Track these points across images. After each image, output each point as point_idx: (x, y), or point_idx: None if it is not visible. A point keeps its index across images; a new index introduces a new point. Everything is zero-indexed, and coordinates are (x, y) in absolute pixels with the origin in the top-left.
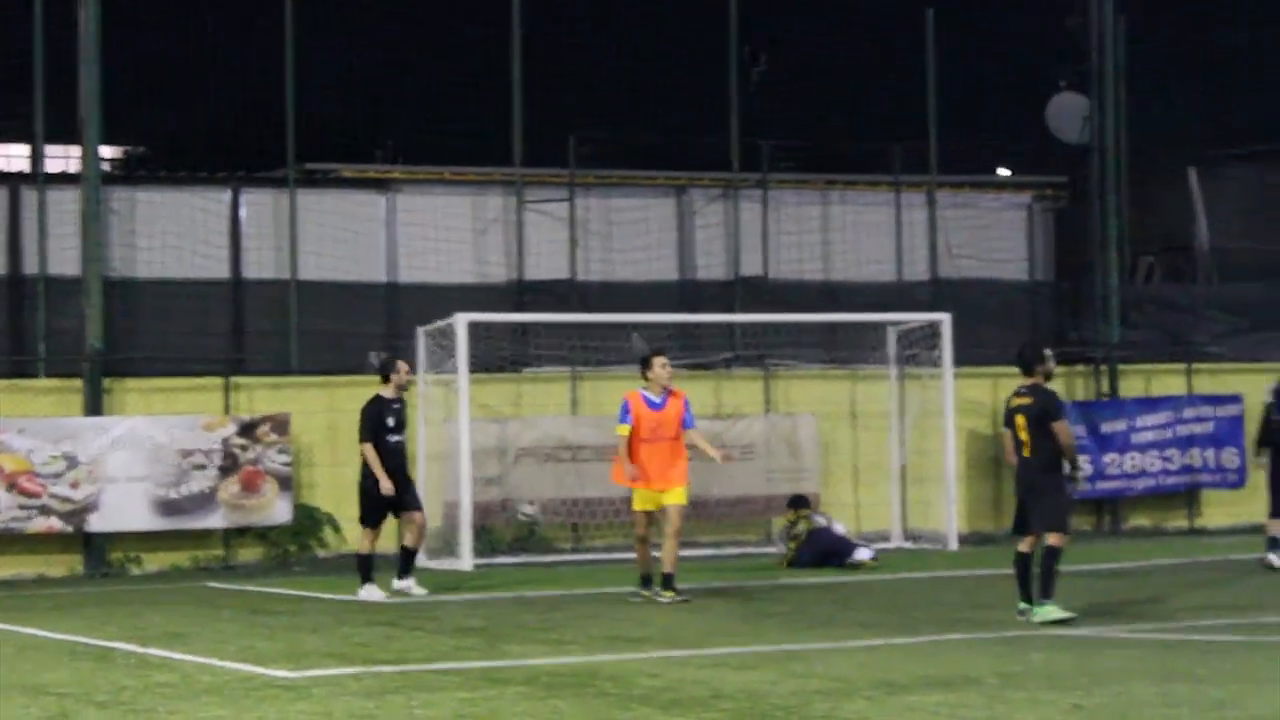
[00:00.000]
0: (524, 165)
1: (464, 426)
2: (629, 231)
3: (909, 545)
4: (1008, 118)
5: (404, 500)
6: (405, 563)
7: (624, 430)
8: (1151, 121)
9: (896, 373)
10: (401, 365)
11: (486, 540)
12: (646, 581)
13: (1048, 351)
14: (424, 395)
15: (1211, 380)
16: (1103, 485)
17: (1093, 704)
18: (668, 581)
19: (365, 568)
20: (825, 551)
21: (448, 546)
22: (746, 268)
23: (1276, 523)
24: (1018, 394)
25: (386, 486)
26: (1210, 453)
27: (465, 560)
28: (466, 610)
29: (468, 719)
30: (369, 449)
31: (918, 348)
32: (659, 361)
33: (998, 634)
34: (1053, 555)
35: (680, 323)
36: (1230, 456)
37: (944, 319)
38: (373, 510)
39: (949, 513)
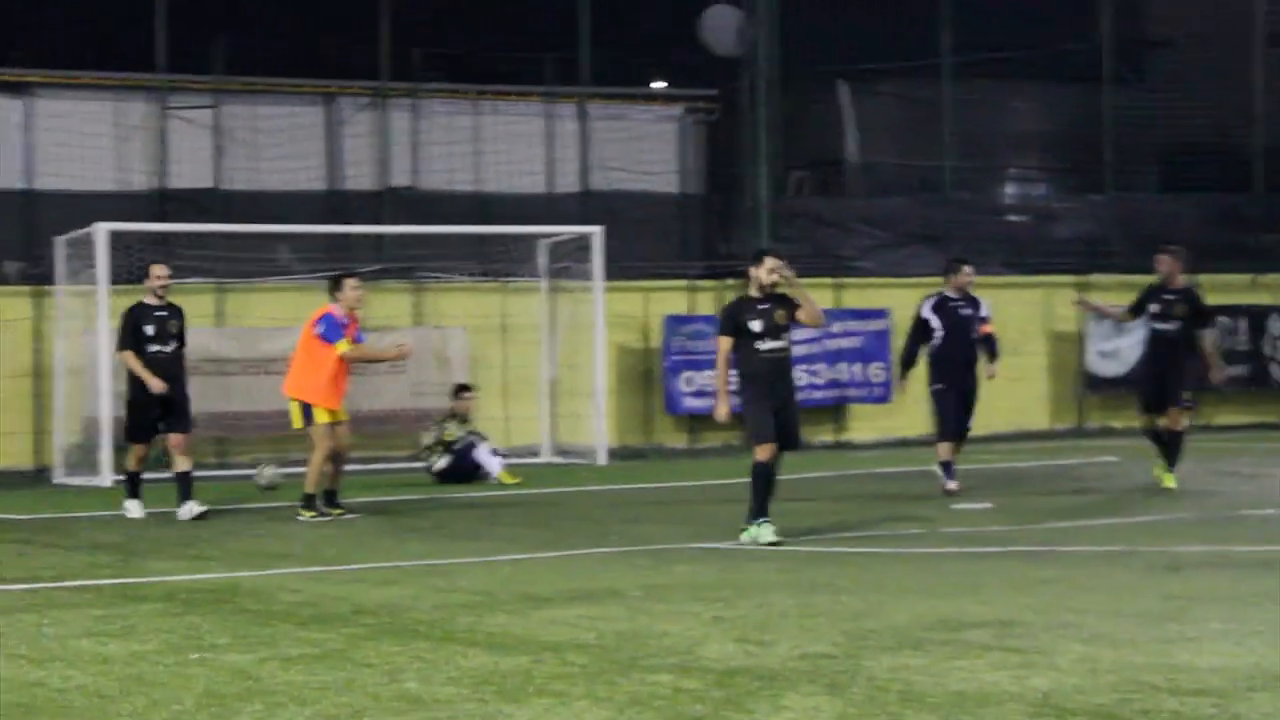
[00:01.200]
0: (167, 71)
1: (103, 340)
2: (275, 140)
3: (558, 460)
4: (661, 29)
5: (169, 418)
6: (182, 488)
7: (343, 347)
8: (803, 35)
9: (547, 285)
10: (154, 269)
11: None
12: (332, 497)
13: (771, 260)
14: (62, 307)
15: (859, 295)
16: None
17: (734, 615)
18: (315, 502)
19: (129, 483)
20: (465, 471)
21: (87, 462)
22: (396, 178)
23: (945, 446)
24: None
25: (156, 385)
26: (857, 367)
27: (105, 476)
28: (104, 527)
29: (100, 636)
30: (126, 356)
31: (569, 260)
32: (350, 283)
33: (643, 547)
34: (752, 472)
35: (328, 233)
36: (877, 371)
37: (595, 232)
38: (136, 424)
39: (598, 427)
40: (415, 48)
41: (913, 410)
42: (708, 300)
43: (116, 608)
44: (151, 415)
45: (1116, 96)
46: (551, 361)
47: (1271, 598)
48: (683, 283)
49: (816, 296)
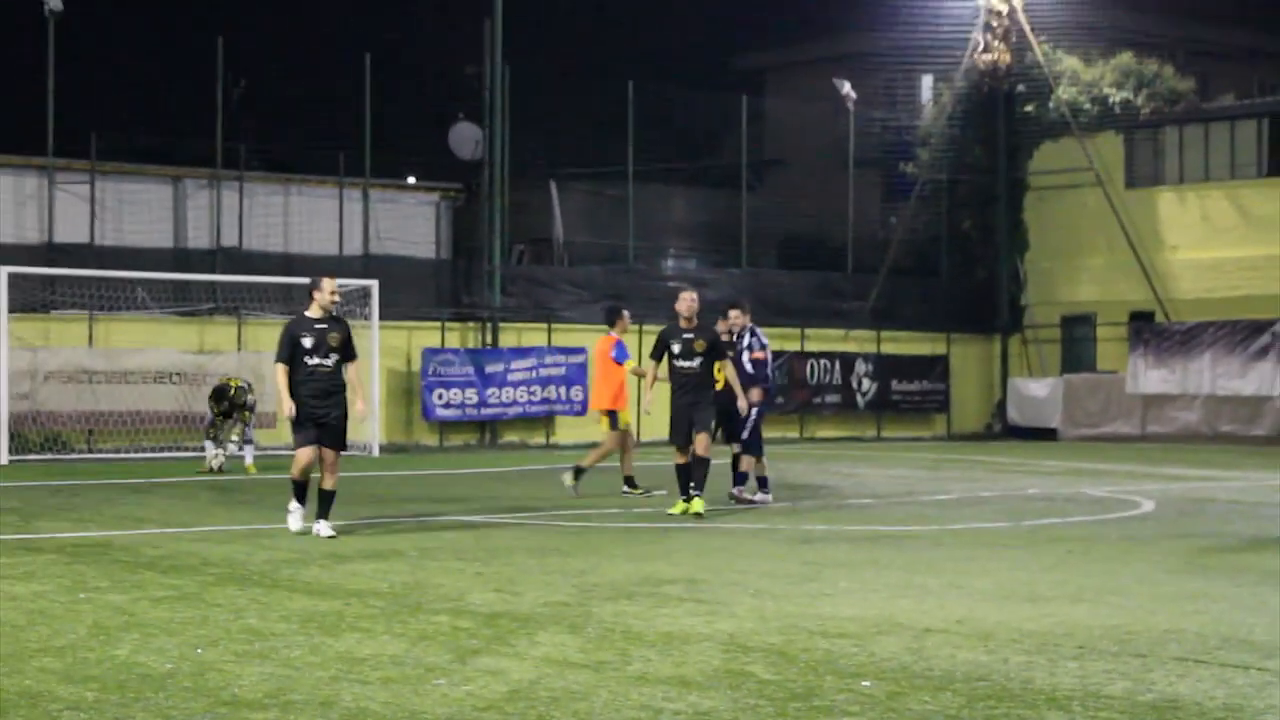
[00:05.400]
0: (55, 155)
1: (3, 355)
2: (137, 209)
3: (344, 452)
4: (424, 138)
5: (323, 433)
6: (322, 506)
7: (630, 365)
8: (526, 146)
9: None
10: (325, 283)
11: (20, 441)
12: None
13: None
14: None
15: (565, 337)
16: (486, 411)
17: (490, 571)
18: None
19: (295, 490)
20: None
21: None
22: (226, 240)
23: (751, 459)
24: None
25: (285, 408)
26: (563, 389)
27: (2, 456)
28: (2, 495)
29: (9, 579)
30: (277, 370)
31: (354, 305)
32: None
33: (415, 518)
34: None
35: (174, 279)
36: (577, 392)
37: (373, 284)
38: (296, 430)
39: (374, 429)
40: (242, 144)
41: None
42: (454, 337)
43: (20, 556)
44: (309, 421)
45: (748, 199)
46: None
47: (880, 564)
48: (436, 324)
49: (533, 336)
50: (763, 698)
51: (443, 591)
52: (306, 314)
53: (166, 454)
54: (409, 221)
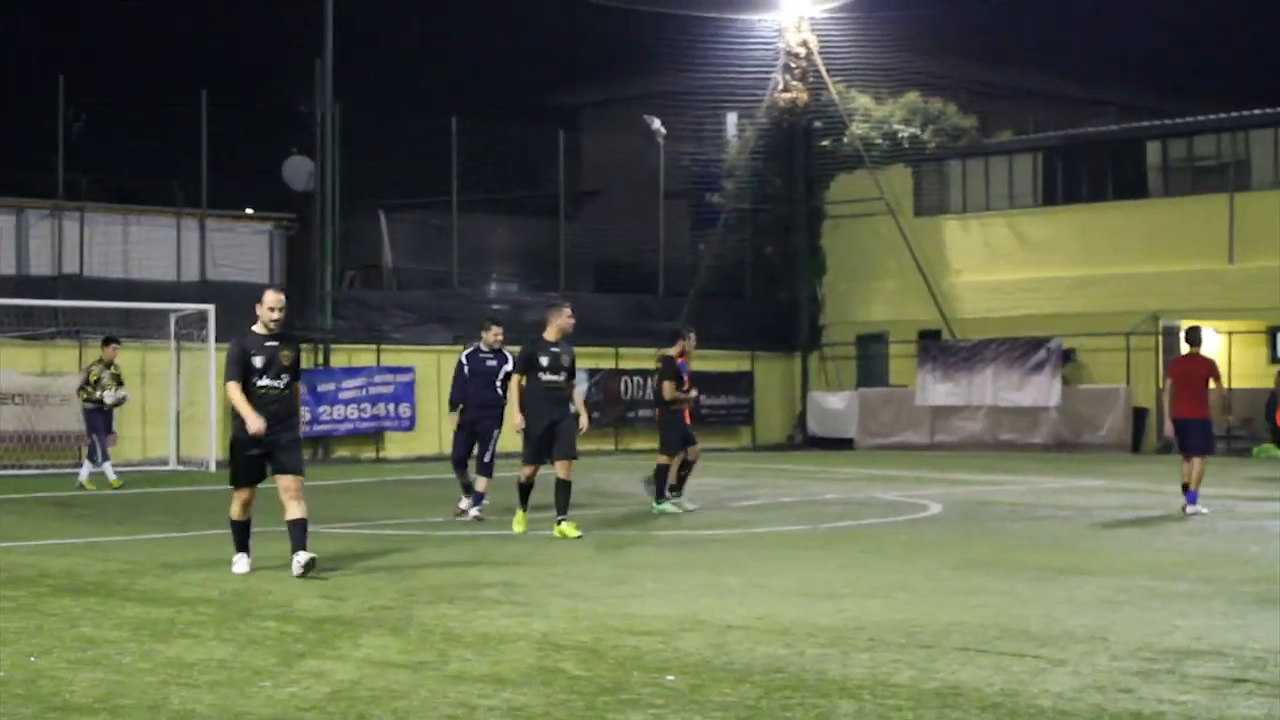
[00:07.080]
0: None
1: None
2: None
3: (181, 467)
4: (258, 169)
5: (277, 458)
6: (295, 537)
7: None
8: (356, 177)
9: (175, 345)
10: (267, 296)
11: None
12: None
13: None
14: None
15: (394, 356)
16: (318, 427)
17: (317, 578)
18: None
19: (236, 533)
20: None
21: None
22: (68, 267)
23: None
24: None
25: (254, 425)
26: (392, 406)
27: None
28: None
29: None
30: (231, 388)
31: (191, 328)
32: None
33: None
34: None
35: (17, 305)
36: (405, 409)
37: (210, 309)
38: (239, 466)
39: (210, 445)
40: (84, 176)
41: (428, 436)
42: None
43: None
44: (255, 456)
45: (566, 227)
46: (177, 398)
47: (687, 565)
48: None
49: (364, 356)
50: (573, 693)
51: (271, 598)
52: (254, 329)
53: (9, 472)
54: (244, 249)
